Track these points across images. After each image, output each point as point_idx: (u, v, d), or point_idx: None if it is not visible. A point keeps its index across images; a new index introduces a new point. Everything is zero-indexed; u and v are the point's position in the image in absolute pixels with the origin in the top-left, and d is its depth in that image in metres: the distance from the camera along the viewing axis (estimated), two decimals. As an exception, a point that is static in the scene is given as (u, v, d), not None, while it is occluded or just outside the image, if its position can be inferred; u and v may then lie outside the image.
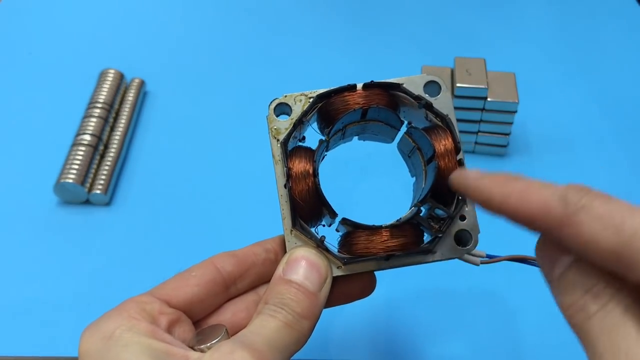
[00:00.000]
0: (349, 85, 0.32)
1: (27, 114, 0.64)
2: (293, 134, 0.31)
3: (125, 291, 0.49)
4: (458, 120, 0.57)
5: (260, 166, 0.59)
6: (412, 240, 0.30)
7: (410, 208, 0.31)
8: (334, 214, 0.30)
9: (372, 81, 0.32)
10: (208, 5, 0.79)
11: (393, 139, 0.34)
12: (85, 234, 0.53)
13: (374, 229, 0.29)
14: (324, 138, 0.31)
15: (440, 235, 0.30)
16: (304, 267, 0.28)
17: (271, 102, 0.32)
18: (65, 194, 0.54)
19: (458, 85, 0.55)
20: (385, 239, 0.29)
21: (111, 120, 0.60)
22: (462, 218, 0.30)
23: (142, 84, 0.65)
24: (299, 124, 0.31)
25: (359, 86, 0.32)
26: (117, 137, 0.59)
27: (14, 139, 0.61)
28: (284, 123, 0.31)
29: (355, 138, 0.35)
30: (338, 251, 0.30)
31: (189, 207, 0.55)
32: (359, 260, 0.29)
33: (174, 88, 0.67)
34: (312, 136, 0.32)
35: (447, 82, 0.57)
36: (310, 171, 0.30)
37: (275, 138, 0.31)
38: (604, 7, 0.78)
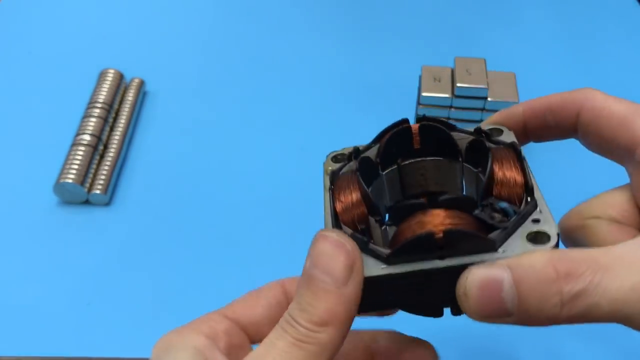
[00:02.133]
0: (400, 120, 0.30)
1: (27, 114, 0.64)
2: (345, 170, 0.29)
3: (125, 291, 0.49)
4: (458, 120, 0.57)
5: (260, 166, 0.59)
6: (471, 227, 0.24)
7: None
8: (380, 219, 0.27)
9: (424, 115, 0.30)
10: (208, 5, 0.79)
11: (460, 185, 0.31)
12: (85, 234, 0.53)
13: (424, 206, 0.25)
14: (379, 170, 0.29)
15: (506, 225, 0.24)
16: (323, 260, 0.23)
17: (330, 152, 0.31)
18: (65, 194, 0.54)
19: (458, 85, 0.55)
20: (440, 216, 0.24)
21: (111, 120, 0.60)
22: (536, 221, 0.25)
23: (142, 84, 0.65)
24: (353, 156, 0.29)
25: (414, 127, 0.30)
26: (116, 137, 0.59)
27: (14, 139, 0.61)
28: (337, 165, 0.30)
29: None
30: (377, 246, 0.25)
31: (189, 207, 0.55)
32: (406, 255, 0.24)
33: (174, 88, 0.67)
34: None
35: (447, 82, 0.57)
36: (353, 186, 0.27)
37: (327, 171, 0.30)
38: (604, 7, 0.78)
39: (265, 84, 0.67)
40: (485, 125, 0.31)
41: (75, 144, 0.56)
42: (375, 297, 0.24)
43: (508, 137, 0.30)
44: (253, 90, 0.67)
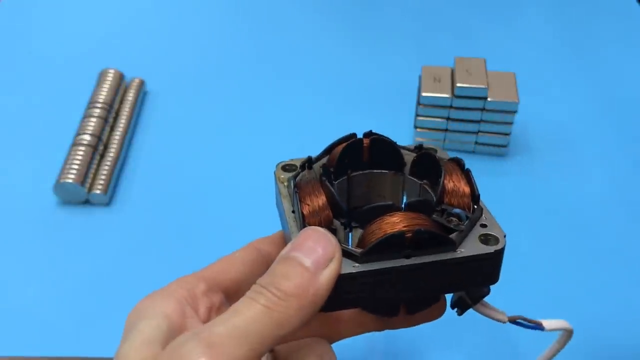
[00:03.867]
0: (349, 134, 0.32)
1: (27, 114, 0.64)
2: (299, 177, 0.31)
3: (125, 291, 0.49)
4: (458, 120, 0.57)
5: (260, 166, 0.59)
6: (432, 227, 0.27)
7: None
8: (347, 222, 0.28)
9: (370, 131, 0.32)
10: (208, 5, 0.79)
11: (400, 197, 0.33)
12: (85, 234, 0.53)
13: (391, 208, 0.27)
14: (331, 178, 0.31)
15: (462, 227, 0.27)
16: (307, 242, 0.25)
17: (279, 163, 0.32)
18: (65, 194, 0.54)
19: (458, 85, 0.55)
20: (408, 217, 0.26)
21: (111, 120, 0.60)
22: (483, 226, 0.28)
23: (142, 83, 0.65)
24: (305, 166, 0.31)
25: (365, 140, 0.32)
26: (117, 137, 0.59)
27: (14, 139, 0.61)
28: (290, 174, 0.31)
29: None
30: (350, 247, 0.27)
31: (189, 207, 0.55)
32: (377, 254, 0.25)
33: (174, 88, 0.67)
34: None
35: (447, 82, 0.57)
36: (319, 189, 0.28)
37: (282, 182, 0.31)
38: (604, 7, 0.78)
39: (265, 84, 0.67)
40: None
41: (75, 144, 0.56)
42: (342, 295, 0.26)
43: (442, 154, 0.32)
44: (253, 90, 0.67)
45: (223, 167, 0.58)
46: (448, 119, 0.57)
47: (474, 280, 0.28)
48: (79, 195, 0.54)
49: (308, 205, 0.28)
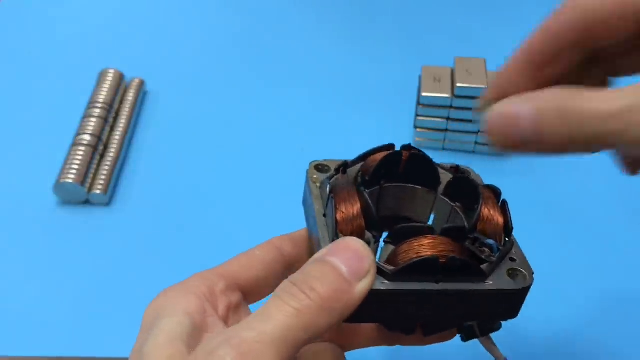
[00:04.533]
0: (387, 144, 0.32)
1: (27, 114, 0.64)
2: (334, 180, 0.31)
3: (125, 291, 0.49)
4: (458, 120, 0.57)
5: (260, 166, 0.59)
6: (464, 255, 0.27)
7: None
8: (377, 234, 0.28)
9: (409, 145, 0.32)
10: (208, 5, 0.79)
11: (427, 216, 0.33)
12: (85, 234, 0.53)
13: (429, 232, 0.27)
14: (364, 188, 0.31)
15: (493, 259, 0.27)
16: (347, 252, 0.24)
17: (312, 161, 0.32)
18: (65, 194, 0.54)
19: (458, 85, 0.55)
20: (445, 243, 0.26)
21: (111, 120, 0.60)
22: (512, 260, 0.28)
23: (142, 84, 0.65)
24: (339, 171, 0.31)
25: (404, 153, 0.32)
26: (117, 137, 0.59)
27: (14, 139, 0.61)
28: (324, 175, 0.31)
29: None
30: (383, 263, 0.27)
31: (189, 207, 0.55)
32: (408, 275, 0.25)
33: (174, 88, 0.67)
34: None
35: (447, 82, 0.57)
36: (357, 199, 0.28)
37: (315, 183, 0.31)
38: (604, 7, 0.78)
39: (265, 84, 0.67)
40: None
41: (75, 144, 0.56)
42: (366, 308, 0.25)
43: (475, 177, 0.33)
44: (253, 90, 0.67)
45: (223, 167, 0.58)
46: (448, 119, 0.57)
47: (494, 313, 0.28)
48: (79, 195, 0.54)
49: (342, 212, 0.28)
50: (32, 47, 0.72)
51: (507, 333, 0.46)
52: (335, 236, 0.27)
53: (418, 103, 0.57)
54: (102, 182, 0.55)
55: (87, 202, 0.55)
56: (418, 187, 0.32)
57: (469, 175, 0.32)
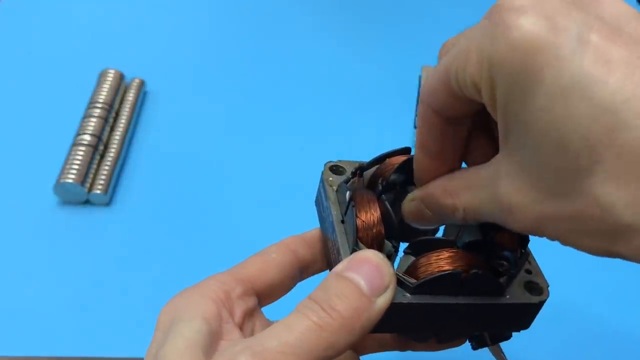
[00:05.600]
0: (404, 147, 0.32)
1: (27, 114, 0.64)
2: (350, 184, 0.30)
3: (125, 291, 0.49)
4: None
5: (260, 166, 0.59)
6: (484, 268, 0.27)
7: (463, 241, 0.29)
8: (396, 244, 0.28)
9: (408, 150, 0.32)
10: (208, 5, 0.79)
11: None
12: (85, 234, 0.53)
13: (452, 246, 0.27)
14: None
15: (513, 272, 0.27)
16: (366, 266, 0.24)
17: (327, 162, 0.32)
18: (65, 194, 0.54)
19: (458, 85, 0.54)
20: (468, 257, 0.26)
21: (111, 120, 0.60)
22: (528, 272, 0.28)
23: (142, 84, 0.65)
24: (356, 174, 0.31)
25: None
26: (117, 137, 0.59)
27: (14, 139, 0.61)
28: (339, 178, 0.31)
29: None
30: (404, 275, 0.27)
31: (189, 208, 0.55)
32: (430, 288, 0.25)
33: (174, 88, 0.67)
34: None
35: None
36: (379, 208, 0.28)
37: (332, 187, 0.31)
38: (604, 7, 0.78)
39: (265, 84, 0.67)
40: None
41: (75, 144, 0.56)
42: (387, 320, 0.25)
43: None
44: (253, 90, 0.67)
45: (223, 167, 0.58)
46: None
47: (509, 324, 0.28)
48: (79, 195, 0.54)
49: (363, 221, 0.27)
50: (32, 47, 0.72)
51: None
52: (355, 245, 0.27)
53: (418, 103, 0.57)
54: (102, 182, 0.55)
55: (87, 202, 0.55)
56: None
57: None
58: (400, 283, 0.25)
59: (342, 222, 0.28)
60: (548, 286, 0.28)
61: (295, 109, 0.65)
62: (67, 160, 0.55)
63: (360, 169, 0.31)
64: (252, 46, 0.72)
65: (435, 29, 0.75)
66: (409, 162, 0.30)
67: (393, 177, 0.30)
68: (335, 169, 0.32)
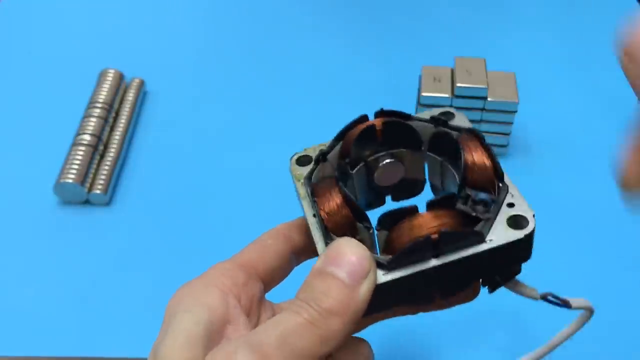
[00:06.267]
0: (360, 116, 0.31)
1: (27, 114, 0.64)
2: (315, 174, 0.30)
3: (125, 291, 0.49)
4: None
5: (260, 166, 0.59)
6: (460, 225, 0.26)
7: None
8: (368, 224, 0.28)
9: (382, 110, 0.32)
10: (208, 5, 0.79)
11: (423, 175, 0.33)
12: (85, 234, 0.53)
13: (414, 212, 0.27)
14: (348, 170, 0.30)
15: (489, 216, 0.26)
16: (343, 257, 0.24)
17: (292, 156, 0.32)
18: (65, 193, 0.54)
19: (458, 85, 0.55)
20: (431, 218, 0.26)
21: (111, 120, 0.60)
22: (510, 205, 0.27)
23: (142, 84, 0.65)
24: (320, 160, 0.31)
25: (377, 123, 0.31)
26: (117, 137, 0.59)
27: (14, 139, 0.61)
28: (306, 169, 0.31)
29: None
30: (379, 255, 0.26)
31: (189, 207, 0.55)
32: (405, 259, 0.25)
33: (174, 88, 0.67)
34: None
35: (447, 82, 0.57)
36: (338, 197, 0.28)
37: (299, 180, 0.31)
38: (604, 7, 0.78)
39: (265, 84, 0.67)
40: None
41: (75, 144, 0.56)
42: (377, 300, 0.25)
43: (461, 119, 0.31)
44: (253, 90, 0.67)
45: (223, 167, 0.58)
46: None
47: (506, 264, 0.27)
48: (79, 195, 0.54)
49: (327, 212, 0.27)
50: (33, 47, 0.72)
51: (509, 333, 0.46)
52: (327, 238, 0.27)
53: (418, 103, 0.57)
54: (102, 182, 0.55)
55: (87, 202, 0.55)
56: (403, 150, 0.32)
57: (450, 120, 0.31)
58: (377, 264, 0.25)
59: (314, 216, 0.28)
60: (534, 215, 0.26)
61: (295, 109, 0.64)
62: (67, 160, 0.55)
63: (322, 154, 0.31)
64: (252, 46, 0.72)
65: (436, 29, 0.75)
66: (365, 132, 0.30)
67: (357, 150, 0.30)
68: (302, 160, 0.32)
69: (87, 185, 0.54)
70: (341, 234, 0.27)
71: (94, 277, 0.50)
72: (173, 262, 0.51)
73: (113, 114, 0.61)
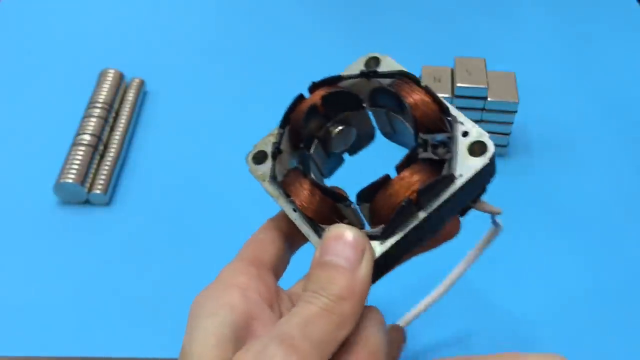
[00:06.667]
0: (297, 97, 0.32)
1: (27, 114, 0.64)
2: (277, 169, 0.31)
3: (125, 291, 0.49)
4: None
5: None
6: (430, 173, 0.27)
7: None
8: (348, 202, 0.28)
9: (313, 84, 0.33)
10: (208, 5, 0.79)
11: (371, 127, 0.34)
12: (85, 234, 0.53)
13: (387, 180, 0.27)
14: (306, 154, 0.31)
15: (450, 155, 0.27)
16: (337, 245, 0.26)
17: (247, 157, 0.33)
18: (65, 194, 0.54)
19: (458, 85, 0.55)
20: (404, 180, 0.27)
21: (111, 120, 0.60)
22: (465, 134, 0.28)
23: (142, 84, 0.65)
24: (277, 155, 0.31)
25: (316, 101, 0.32)
26: (117, 137, 0.59)
27: (14, 139, 0.61)
28: (266, 166, 0.32)
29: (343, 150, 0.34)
30: (369, 230, 0.27)
31: (189, 207, 0.55)
32: (395, 225, 0.26)
33: (174, 88, 0.67)
34: None
35: (447, 82, 0.57)
36: (308, 187, 0.29)
37: (265, 180, 0.31)
38: (604, 7, 0.78)
39: (265, 84, 0.67)
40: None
41: (75, 144, 0.56)
42: (381, 267, 0.27)
43: (387, 63, 0.32)
44: (253, 90, 0.67)
45: (223, 167, 0.58)
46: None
47: (477, 187, 0.29)
48: (79, 195, 0.54)
49: (303, 204, 0.28)
50: (33, 47, 0.72)
51: (511, 332, 0.46)
52: (315, 227, 0.28)
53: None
54: (102, 182, 0.55)
55: (87, 202, 0.55)
56: (347, 113, 0.33)
57: (378, 67, 0.32)
58: (370, 237, 0.26)
59: (295, 210, 0.29)
60: (489, 136, 0.28)
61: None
62: (67, 160, 0.55)
63: (277, 148, 0.31)
64: (252, 46, 0.72)
65: (436, 29, 0.75)
66: (308, 113, 0.31)
67: (307, 131, 0.31)
68: (258, 157, 0.33)
69: (87, 185, 0.54)
70: (326, 220, 0.28)
71: (93, 277, 0.50)
72: (173, 262, 0.51)
73: (113, 114, 0.61)
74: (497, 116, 0.56)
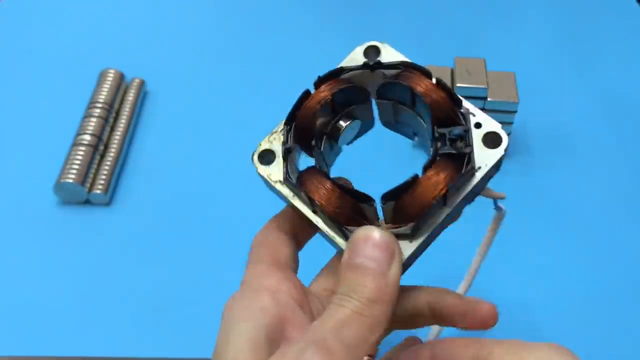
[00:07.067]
0: (303, 93, 0.32)
1: (27, 114, 0.64)
2: (290, 169, 0.30)
3: (125, 291, 0.49)
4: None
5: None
6: (453, 169, 0.27)
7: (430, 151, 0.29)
8: (372, 202, 0.28)
9: (319, 78, 0.32)
10: (208, 5, 0.79)
11: (372, 117, 0.34)
12: (85, 233, 0.53)
13: (415, 180, 0.27)
14: (317, 151, 0.31)
15: (470, 147, 0.27)
16: (366, 247, 0.26)
17: (252, 156, 0.32)
18: (65, 193, 0.54)
19: (458, 85, 0.55)
20: (431, 179, 0.27)
21: (111, 120, 0.60)
22: (478, 125, 0.28)
23: (142, 84, 0.65)
24: (288, 155, 0.31)
25: (326, 98, 0.32)
26: (117, 137, 0.59)
27: (14, 139, 0.61)
28: (275, 166, 0.31)
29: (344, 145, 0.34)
30: (398, 229, 0.27)
31: (189, 207, 0.55)
32: (424, 223, 0.27)
33: (174, 88, 0.67)
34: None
35: (447, 82, 0.57)
36: (330, 187, 0.28)
37: (278, 182, 0.31)
38: (604, 7, 0.78)
39: (265, 83, 0.67)
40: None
41: (75, 143, 0.56)
42: (412, 260, 0.27)
43: (388, 52, 0.32)
44: (253, 90, 0.67)
45: (223, 167, 0.58)
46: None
47: (492, 176, 0.29)
48: (79, 195, 0.54)
49: (332, 210, 0.28)
50: (33, 47, 0.72)
51: (512, 331, 0.46)
52: (341, 229, 0.27)
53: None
54: (102, 182, 0.55)
55: (87, 202, 0.55)
56: (354, 106, 0.33)
57: (380, 57, 0.32)
58: (399, 237, 0.26)
59: (315, 212, 0.29)
60: (500, 126, 0.28)
61: (295, 109, 0.64)
62: (67, 160, 0.55)
63: (287, 151, 0.31)
64: (252, 46, 0.72)
65: (436, 29, 0.75)
66: (321, 111, 0.31)
67: (319, 129, 0.31)
68: (264, 155, 0.32)
69: (87, 185, 0.54)
70: (349, 219, 0.28)
71: (93, 277, 0.50)
72: (173, 262, 0.51)
73: (113, 114, 0.61)
74: (497, 116, 0.55)
